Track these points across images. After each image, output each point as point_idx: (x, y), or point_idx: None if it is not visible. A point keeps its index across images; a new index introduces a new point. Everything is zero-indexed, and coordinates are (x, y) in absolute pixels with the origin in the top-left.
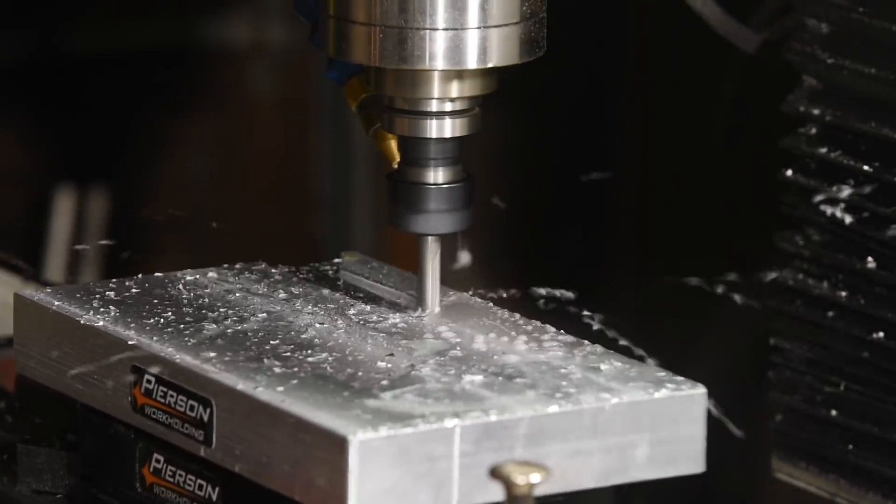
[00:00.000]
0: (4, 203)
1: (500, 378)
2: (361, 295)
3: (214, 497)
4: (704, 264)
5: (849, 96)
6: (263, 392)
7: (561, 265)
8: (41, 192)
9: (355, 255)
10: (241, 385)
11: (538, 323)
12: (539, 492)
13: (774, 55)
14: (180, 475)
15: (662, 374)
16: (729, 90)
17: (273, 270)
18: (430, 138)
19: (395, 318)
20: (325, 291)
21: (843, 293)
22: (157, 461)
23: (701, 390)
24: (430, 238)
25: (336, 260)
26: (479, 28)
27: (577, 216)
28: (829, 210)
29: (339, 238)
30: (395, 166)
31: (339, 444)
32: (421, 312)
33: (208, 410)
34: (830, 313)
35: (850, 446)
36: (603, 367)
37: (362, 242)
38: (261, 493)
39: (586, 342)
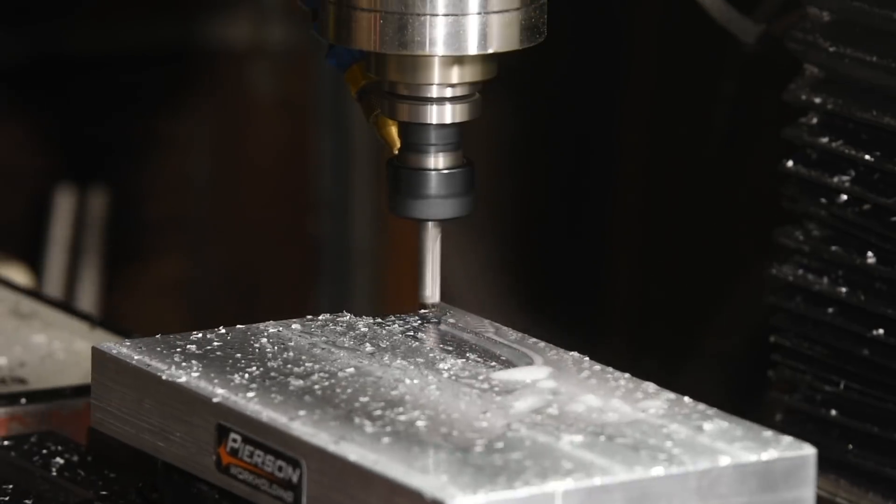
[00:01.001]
0: (4, 203)
1: (602, 438)
2: (451, 348)
3: None
4: (705, 258)
5: (850, 85)
6: (355, 452)
7: (561, 261)
8: (41, 192)
9: (444, 307)
10: (332, 445)
11: (636, 379)
12: None
13: (775, 45)
14: None
15: (769, 433)
16: (730, 80)
17: (358, 321)
18: (431, 124)
19: (488, 373)
20: (414, 344)
21: (844, 289)
22: None
23: (810, 451)
24: (430, 223)
25: (423, 311)
26: (479, 14)
27: (576, 207)
28: (829, 202)
29: (339, 238)
30: (396, 153)
31: None
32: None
33: (297, 472)
34: (830, 310)
35: (850, 446)
36: (706, 426)
37: (362, 243)
38: None
39: (686, 398)
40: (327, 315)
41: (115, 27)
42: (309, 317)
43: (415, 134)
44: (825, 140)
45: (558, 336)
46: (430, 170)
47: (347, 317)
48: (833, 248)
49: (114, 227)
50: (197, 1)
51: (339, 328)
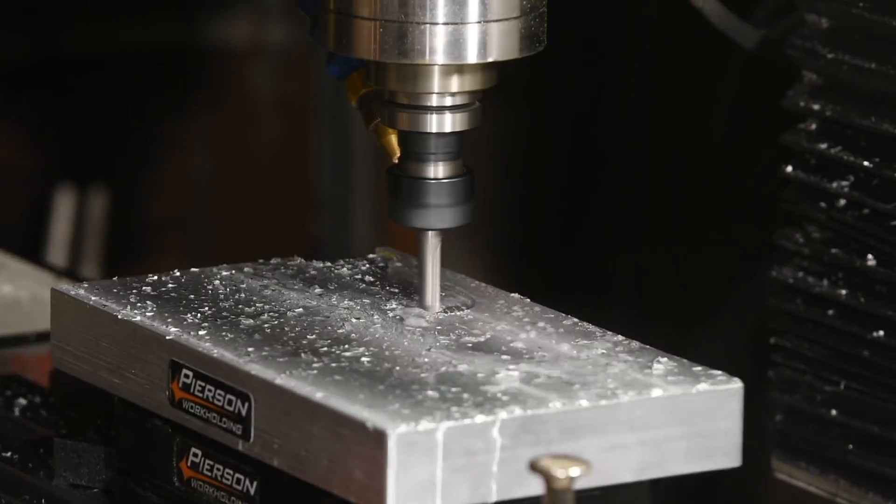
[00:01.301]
0: (4, 203)
1: (539, 373)
2: (397, 290)
3: (252, 491)
4: (706, 260)
5: (849, 91)
6: (302, 386)
7: (561, 262)
8: (41, 192)
9: (389, 251)
10: (280, 379)
11: (575, 319)
12: (577, 485)
13: (774, 51)
14: (218, 469)
15: (698, 368)
16: (729, 86)
17: (308, 265)
18: (431, 133)
19: (432, 313)
20: (361, 286)
21: (844, 291)
22: (195, 455)
23: (737, 384)
24: (430, 233)
25: (370, 255)
26: (479, 22)
27: (577, 213)
28: (828, 207)
29: (339, 238)
30: (396, 161)
31: (378, 438)
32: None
33: (246, 405)
34: (830, 311)
35: (850, 446)
36: (640, 361)
37: (362, 242)
38: (299, 488)
39: (621, 337)
40: (278, 259)
41: (115, 27)
42: (261, 260)
43: (414, 143)
44: (824, 146)
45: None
46: (430, 179)
47: (298, 260)
48: (833, 250)
49: (114, 227)
50: (197, 1)
51: (289, 271)
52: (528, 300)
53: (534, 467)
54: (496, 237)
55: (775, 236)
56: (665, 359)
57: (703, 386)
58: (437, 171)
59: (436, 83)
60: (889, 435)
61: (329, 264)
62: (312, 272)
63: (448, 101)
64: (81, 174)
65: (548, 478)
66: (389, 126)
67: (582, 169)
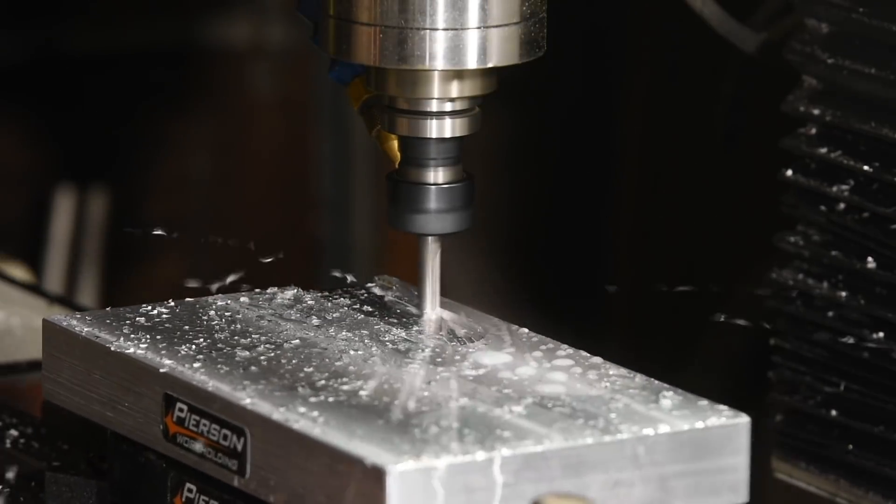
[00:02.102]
0: (4, 203)
1: (541, 408)
2: (395, 320)
3: None
4: (705, 264)
5: (849, 96)
6: (299, 421)
7: (560, 265)
8: (41, 192)
9: (389, 280)
10: (276, 414)
11: (580, 352)
12: None
13: (774, 55)
14: None
15: (704, 402)
16: (729, 90)
17: (305, 295)
18: (431, 138)
19: (431, 345)
20: (360, 317)
21: (843, 293)
22: (189, 491)
23: (744, 419)
24: (430, 238)
25: (369, 284)
26: (479, 28)
27: (575, 216)
28: (828, 210)
29: (339, 238)
30: (397, 167)
31: (376, 475)
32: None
33: (242, 440)
34: (830, 313)
35: (850, 446)
36: (644, 395)
37: (362, 243)
38: None
39: (625, 369)
40: (275, 288)
41: (115, 27)
42: (257, 290)
43: (414, 148)
44: (824, 150)
45: (562, 339)
46: (430, 184)
47: (295, 290)
48: (833, 253)
49: (114, 227)
50: (197, 1)
51: (286, 301)
52: (529, 331)
53: None
54: (495, 241)
55: (775, 239)
56: (670, 393)
57: (709, 421)
58: (437, 176)
59: (436, 89)
60: (889, 435)
61: (327, 294)
62: (310, 302)
63: (448, 107)
64: (81, 174)
65: None
66: (389, 132)
67: (580, 172)
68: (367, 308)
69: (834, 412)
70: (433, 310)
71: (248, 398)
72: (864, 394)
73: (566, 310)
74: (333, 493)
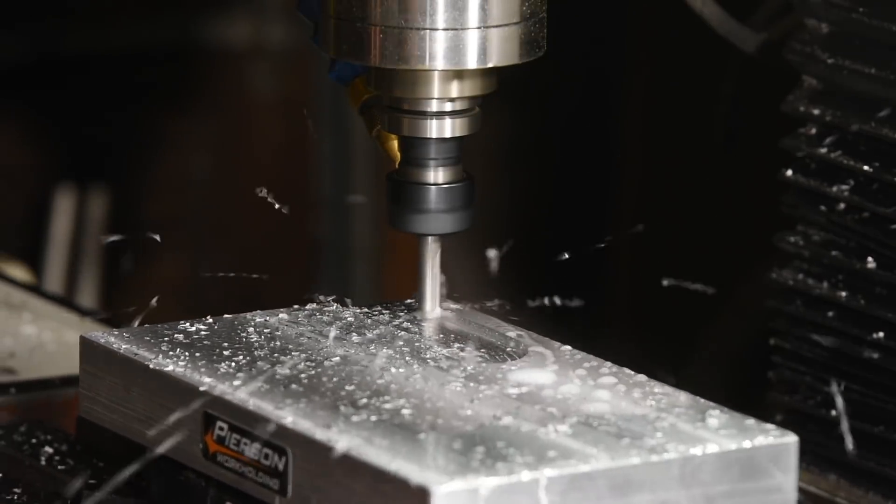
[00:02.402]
0: (4, 203)
1: (587, 427)
2: (438, 337)
3: None
4: (705, 264)
5: (849, 96)
6: (341, 440)
7: (560, 264)
8: (41, 192)
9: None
10: (319, 433)
11: (624, 369)
12: None
13: (774, 55)
14: None
15: (752, 421)
16: (728, 89)
17: (344, 311)
18: (431, 138)
19: (474, 363)
20: (400, 333)
21: (843, 293)
22: None
23: (792, 438)
24: (430, 238)
25: (408, 301)
26: (479, 28)
27: (575, 216)
28: (828, 210)
29: (339, 239)
30: (398, 166)
31: (421, 496)
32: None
33: (283, 459)
34: (830, 313)
35: (850, 446)
36: (691, 415)
37: (362, 243)
38: None
39: (670, 388)
40: (314, 304)
41: (115, 27)
42: (296, 306)
43: (414, 148)
44: (824, 150)
45: (558, 339)
46: (430, 184)
47: (334, 306)
48: (833, 253)
49: (114, 227)
50: (197, 1)
51: (325, 318)
52: (571, 349)
53: None
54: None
55: (775, 239)
56: (717, 411)
57: (757, 440)
58: (437, 176)
59: (436, 89)
60: (889, 435)
61: (366, 310)
62: (349, 318)
63: (448, 107)
64: (81, 174)
65: None
66: (389, 132)
67: (581, 172)
68: (406, 325)
69: (834, 412)
70: (433, 310)
71: (289, 417)
72: (864, 394)
73: (566, 311)
74: None
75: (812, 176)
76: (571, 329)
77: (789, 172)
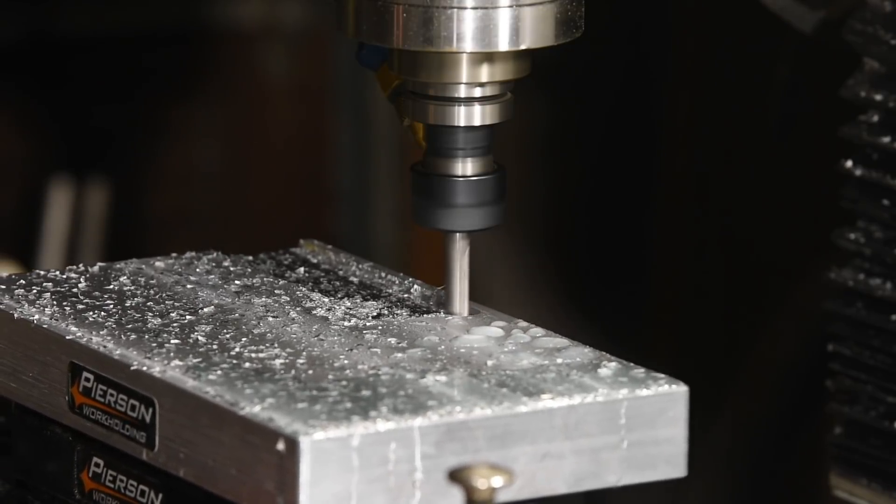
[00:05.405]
0: None
1: (470, 377)
2: (320, 287)
3: (157, 503)
4: (758, 262)
5: None
6: (208, 390)
7: (599, 263)
8: (35, 183)
9: (314, 244)
10: (185, 383)
11: (512, 318)
12: (504, 497)
13: (833, 35)
14: (121, 480)
15: (640, 371)
16: (784, 74)
17: (226, 259)
18: (459, 126)
19: (354, 312)
20: (281, 282)
21: None
22: (97, 465)
23: (682, 388)
24: (457, 235)
25: (294, 249)
26: (510, 7)
27: (615, 210)
28: (891, 204)
29: (359, 235)
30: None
31: (289, 446)
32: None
33: (150, 411)
34: (894, 316)
35: None
36: (581, 364)
37: (384, 239)
38: (206, 499)
39: (561, 338)
40: (193, 252)
41: (116, 5)
42: (174, 254)
43: (441, 137)
44: (886, 139)
45: (600, 343)
46: (458, 177)
47: (215, 254)
48: None
49: (114, 222)
50: None
51: (205, 266)
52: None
53: (453, 477)
54: (528, 237)
55: (834, 236)
56: (612, 363)
57: (644, 390)
58: (466, 167)
59: (464, 73)
60: None
61: (250, 258)
62: (230, 267)
63: (477, 93)
64: (79, 164)
65: (467, 488)
66: (414, 119)
67: (622, 163)
68: (287, 273)
69: None
70: (462, 313)
71: (157, 366)
72: None
73: (607, 312)
74: (245, 465)
75: (874, 167)
76: (615, 334)
77: (849, 163)
